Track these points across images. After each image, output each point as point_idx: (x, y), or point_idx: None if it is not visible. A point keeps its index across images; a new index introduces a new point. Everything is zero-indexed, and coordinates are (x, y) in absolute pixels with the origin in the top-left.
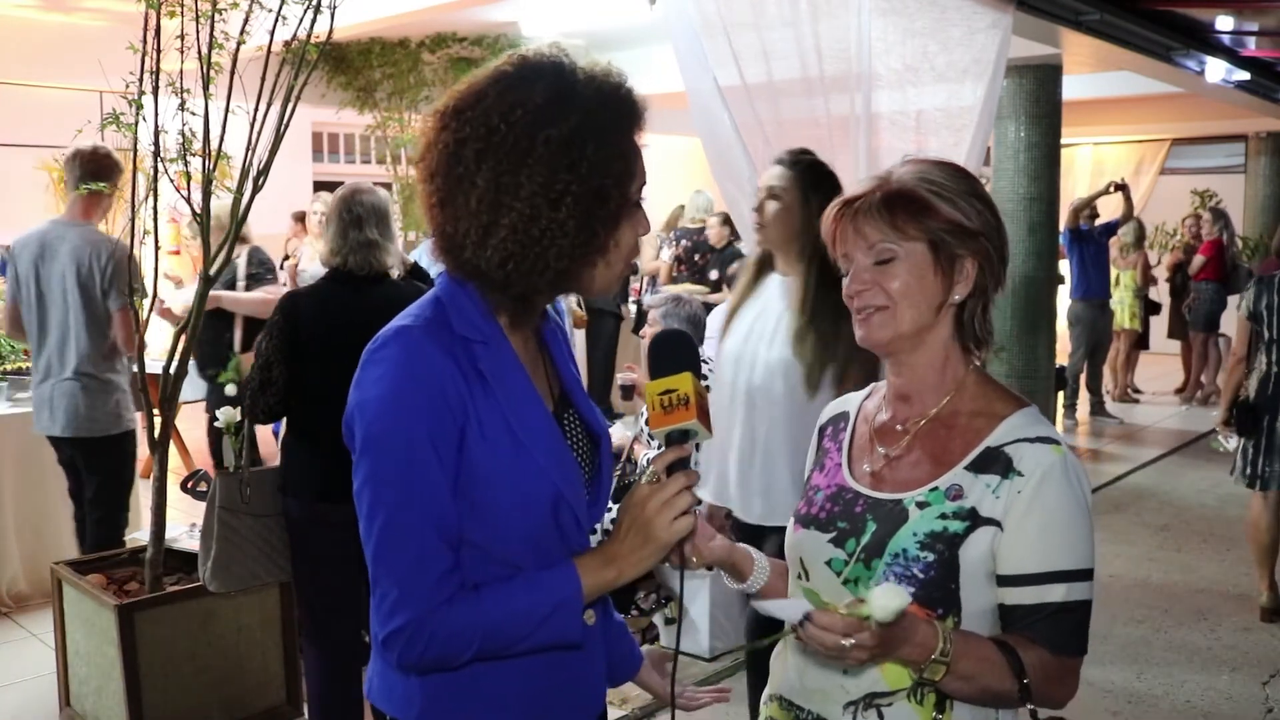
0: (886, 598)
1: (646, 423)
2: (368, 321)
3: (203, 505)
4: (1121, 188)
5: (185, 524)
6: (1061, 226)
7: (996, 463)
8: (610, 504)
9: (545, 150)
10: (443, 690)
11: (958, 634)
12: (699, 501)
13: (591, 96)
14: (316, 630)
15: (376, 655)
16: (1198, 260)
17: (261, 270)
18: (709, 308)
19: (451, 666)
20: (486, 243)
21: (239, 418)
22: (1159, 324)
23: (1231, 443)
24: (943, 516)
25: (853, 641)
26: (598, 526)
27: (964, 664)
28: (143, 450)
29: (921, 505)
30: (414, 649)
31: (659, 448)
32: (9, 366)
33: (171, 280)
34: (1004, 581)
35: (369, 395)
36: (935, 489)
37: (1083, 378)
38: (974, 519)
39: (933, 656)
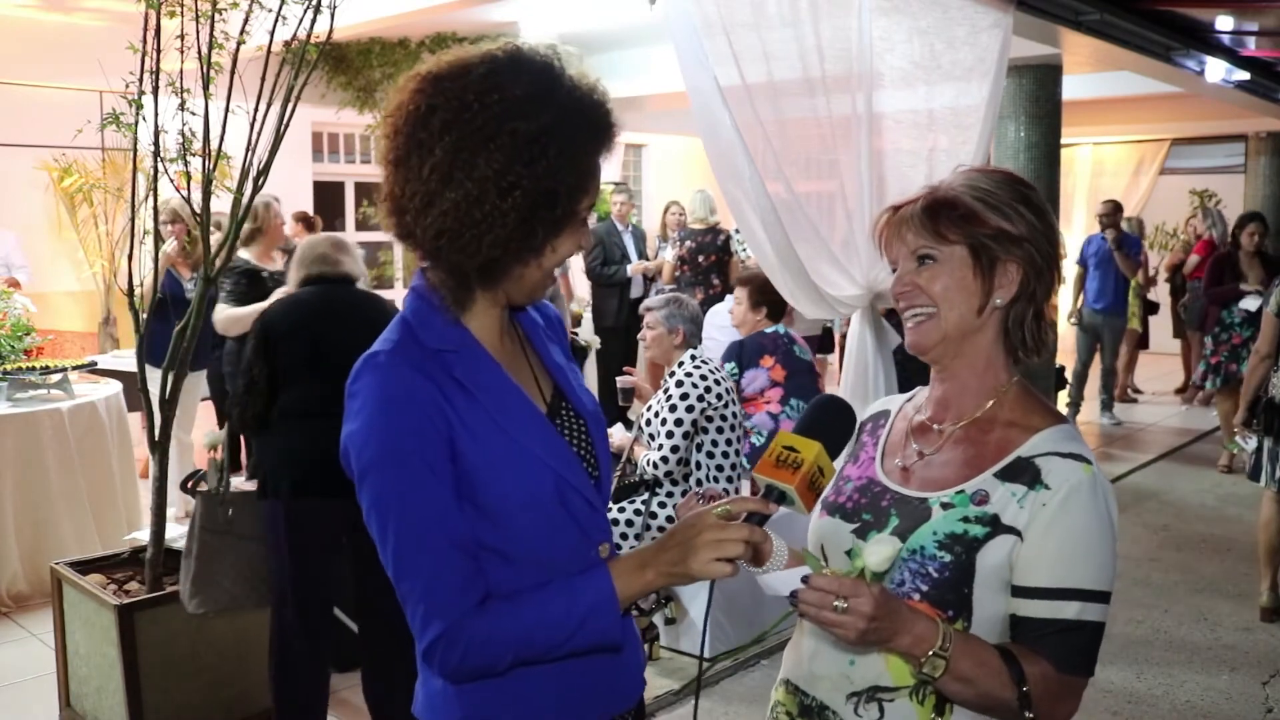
0: (878, 545)
1: (646, 423)
2: (337, 312)
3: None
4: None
5: (186, 524)
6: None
7: (1025, 473)
8: (609, 503)
9: (509, 140)
10: (482, 697)
11: (959, 634)
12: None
13: (568, 103)
14: (282, 602)
15: (420, 670)
16: (1192, 259)
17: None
18: (706, 307)
19: (492, 674)
20: (428, 211)
21: (224, 438)
22: (1159, 324)
23: (1250, 443)
24: (965, 520)
25: (847, 604)
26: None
27: (963, 664)
28: (141, 450)
29: (946, 506)
30: (452, 657)
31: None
32: (9, 366)
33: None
34: (1019, 592)
35: (354, 426)
36: (961, 492)
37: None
38: (995, 526)
39: (931, 651)
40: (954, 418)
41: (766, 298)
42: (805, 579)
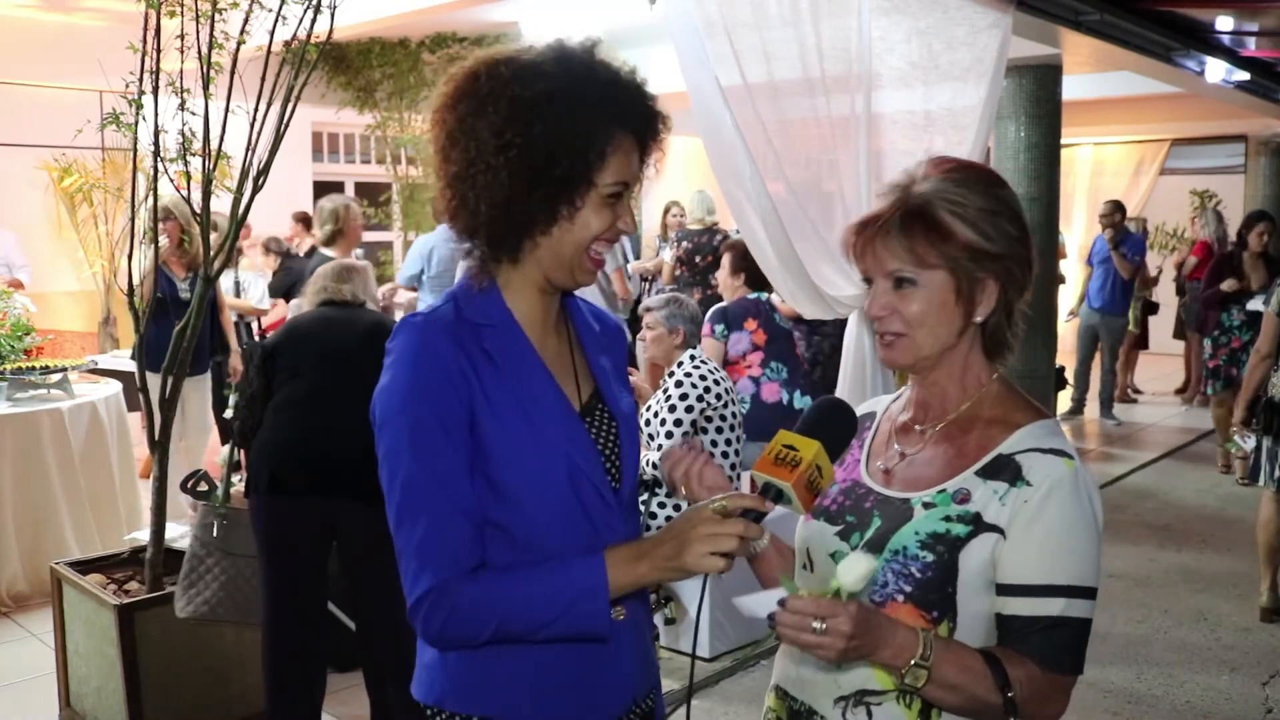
0: (852, 564)
1: (645, 423)
2: (332, 325)
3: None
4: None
5: (186, 524)
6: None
7: (1006, 470)
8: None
9: (507, 105)
10: (461, 673)
11: (940, 641)
12: (743, 554)
13: (580, 76)
14: (269, 600)
15: (417, 649)
16: (1190, 260)
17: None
18: (705, 307)
19: (473, 644)
20: (441, 179)
21: (228, 454)
22: (1159, 324)
23: (1249, 443)
24: (946, 519)
25: (825, 624)
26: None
27: (946, 671)
28: (142, 450)
29: (928, 506)
30: (435, 618)
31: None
32: (9, 366)
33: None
34: (1003, 590)
35: (383, 382)
36: (943, 491)
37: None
38: (977, 524)
39: (913, 660)
40: (935, 417)
41: (746, 264)
42: (782, 601)
